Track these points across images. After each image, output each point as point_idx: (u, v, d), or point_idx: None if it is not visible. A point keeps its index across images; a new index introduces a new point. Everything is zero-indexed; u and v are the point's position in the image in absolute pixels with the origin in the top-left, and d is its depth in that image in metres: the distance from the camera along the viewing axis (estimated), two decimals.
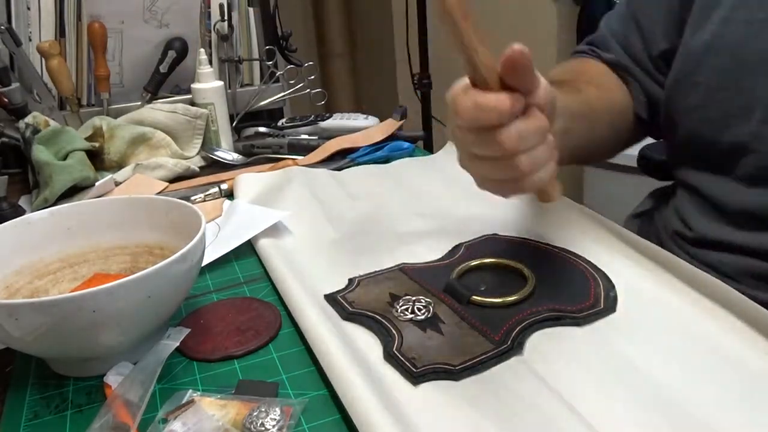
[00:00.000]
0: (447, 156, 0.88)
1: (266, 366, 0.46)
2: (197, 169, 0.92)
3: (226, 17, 1.03)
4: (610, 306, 0.49)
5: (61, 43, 0.98)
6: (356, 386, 0.39)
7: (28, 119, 0.87)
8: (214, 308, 0.54)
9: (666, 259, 0.52)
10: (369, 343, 0.47)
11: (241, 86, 1.10)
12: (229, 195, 0.80)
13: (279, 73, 1.05)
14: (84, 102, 1.02)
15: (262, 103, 1.07)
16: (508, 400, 0.40)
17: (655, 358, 0.43)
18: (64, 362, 0.47)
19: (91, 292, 0.40)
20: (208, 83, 0.94)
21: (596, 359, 0.43)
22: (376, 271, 0.57)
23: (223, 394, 0.42)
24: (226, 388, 0.43)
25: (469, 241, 0.61)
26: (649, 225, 0.75)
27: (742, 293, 0.46)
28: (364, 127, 0.98)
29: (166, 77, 1.02)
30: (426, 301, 0.50)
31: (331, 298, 0.53)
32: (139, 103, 1.01)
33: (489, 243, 0.61)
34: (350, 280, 0.55)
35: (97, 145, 0.88)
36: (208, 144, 0.97)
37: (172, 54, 1.01)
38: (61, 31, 0.99)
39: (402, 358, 0.44)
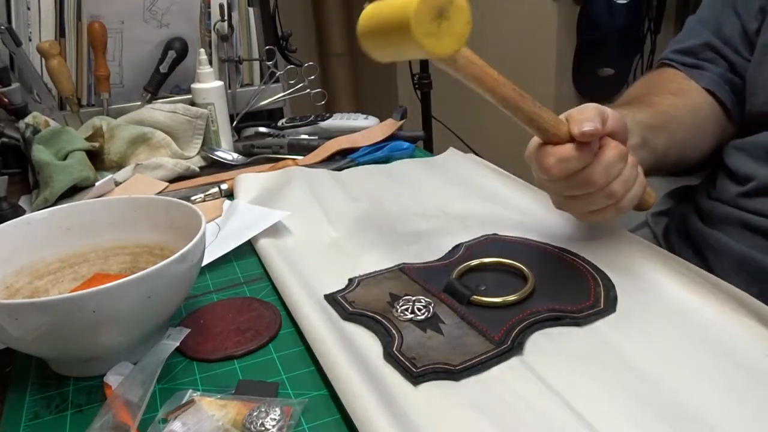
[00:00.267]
0: (447, 157, 0.88)
1: (266, 366, 0.46)
2: (197, 169, 0.92)
3: (226, 17, 1.03)
4: (610, 306, 0.49)
5: (61, 43, 0.99)
6: (356, 386, 0.39)
7: (28, 119, 0.87)
8: (214, 308, 0.54)
9: (666, 259, 0.52)
10: (369, 343, 0.47)
11: (241, 86, 1.10)
12: (229, 195, 0.80)
13: (279, 73, 1.05)
14: (84, 102, 1.03)
15: (262, 103, 1.07)
16: (508, 400, 0.40)
17: (654, 358, 0.43)
18: (64, 362, 0.47)
19: (91, 292, 0.40)
20: (208, 83, 0.94)
21: (596, 359, 0.43)
22: (376, 271, 0.57)
23: (223, 394, 0.42)
24: (226, 388, 0.43)
25: (469, 241, 0.61)
26: (670, 221, 0.76)
27: None
28: (364, 127, 0.99)
29: (166, 77, 1.02)
30: (426, 301, 0.50)
31: (331, 298, 0.53)
32: (139, 103, 1.01)
33: (489, 243, 0.61)
34: (350, 280, 0.55)
35: (97, 145, 0.89)
36: (208, 144, 0.97)
37: (172, 54, 1.01)
38: (61, 31, 0.99)
39: (402, 358, 0.44)
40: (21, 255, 0.52)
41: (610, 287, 0.51)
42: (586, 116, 0.48)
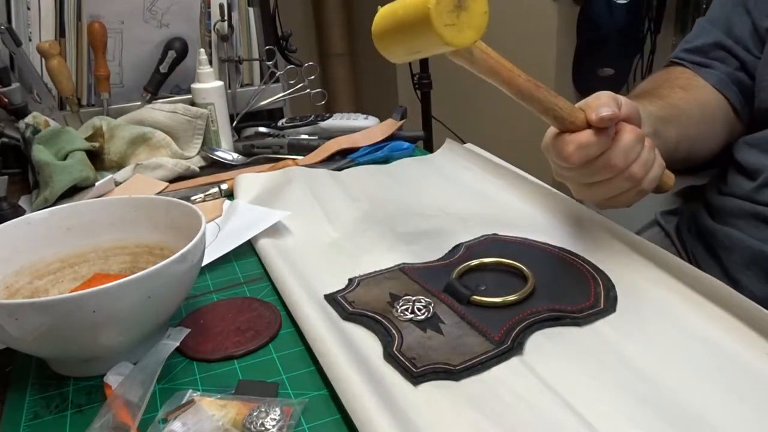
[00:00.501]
0: (447, 155, 0.88)
1: (266, 366, 0.46)
2: (197, 169, 0.92)
3: (226, 17, 1.03)
4: (610, 306, 0.49)
5: (61, 43, 0.98)
6: (356, 386, 0.39)
7: (28, 119, 0.87)
8: (214, 308, 0.54)
9: (666, 259, 0.52)
10: (369, 343, 0.47)
11: (241, 86, 1.10)
12: (229, 195, 0.80)
13: (279, 73, 1.05)
14: (84, 102, 1.02)
15: (262, 103, 1.07)
16: (508, 400, 0.40)
17: (654, 358, 0.43)
18: (64, 362, 0.47)
19: (91, 292, 0.40)
20: (208, 83, 0.94)
21: (596, 359, 0.43)
22: (376, 271, 0.57)
23: (223, 394, 0.42)
24: (226, 388, 0.43)
25: (469, 241, 0.61)
26: (680, 219, 0.77)
27: None
28: (364, 127, 0.99)
29: (166, 77, 1.02)
30: (426, 301, 0.50)
31: (331, 298, 0.53)
32: (139, 103, 1.01)
33: (489, 243, 0.61)
34: (350, 280, 0.55)
35: (97, 145, 0.88)
36: (208, 144, 0.97)
37: (172, 54, 1.01)
38: (61, 31, 0.99)
39: (402, 358, 0.44)
40: (21, 255, 0.52)
41: (610, 287, 0.51)
42: (603, 102, 0.48)
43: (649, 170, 0.51)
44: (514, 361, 0.43)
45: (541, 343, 0.45)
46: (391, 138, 0.95)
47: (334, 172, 0.84)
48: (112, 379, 0.43)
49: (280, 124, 1.03)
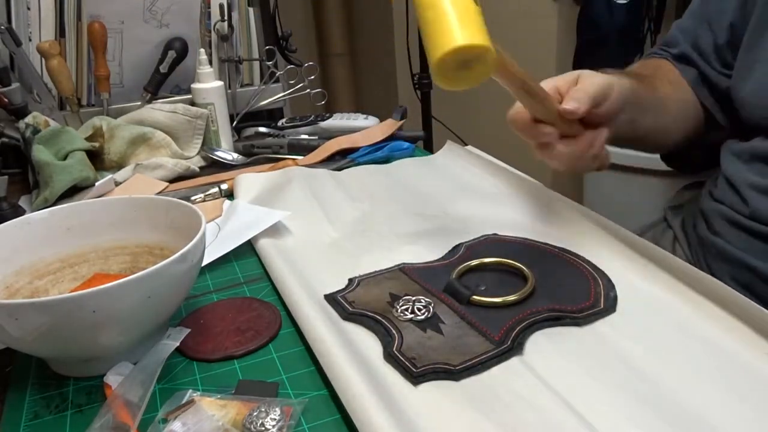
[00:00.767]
0: (447, 155, 0.88)
1: (266, 366, 0.46)
2: (197, 169, 0.92)
3: (226, 17, 1.03)
4: (610, 306, 0.49)
5: (61, 43, 0.98)
6: (356, 386, 0.39)
7: (28, 119, 0.87)
8: (214, 308, 0.54)
9: (666, 259, 0.52)
10: (369, 343, 0.47)
11: (241, 86, 1.10)
12: (229, 195, 0.80)
13: (279, 73, 1.05)
14: (84, 102, 1.02)
15: (262, 103, 1.07)
16: (508, 400, 0.40)
17: (654, 358, 0.43)
18: (64, 362, 0.47)
19: (91, 292, 0.40)
20: (208, 83, 0.94)
21: (596, 359, 0.43)
22: (376, 271, 0.57)
23: (223, 394, 0.42)
24: (226, 388, 0.43)
25: (469, 241, 0.61)
26: (685, 215, 0.77)
27: None
28: (364, 127, 0.98)
29: (166, 77, 1.02)
30: (426, 301, 0.50)
31: (331, 298, 0.53)
32: (139, 103, 1.01)
33: (489, 243, 0.61)
34: (350, 280, 0.55)
35: (97, 145, 0.88)
36: (208, 144, 0.97)
37: (172, 54, 1.01)
38: (61, 31, 0.99)
39: (402, 358, 0.44)
40: (21, 255, 0.52)
41: (610, 287, 0.51)
42: (573, 96, 0.54)
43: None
44: (514, 361, 0.44)
45: (541, 343, 0.45)
46: (391, 138, 0.95)
47: (334, 172, 0.84)
48: (112, 379, 0.43)
49: (280, 124, 1.03)
